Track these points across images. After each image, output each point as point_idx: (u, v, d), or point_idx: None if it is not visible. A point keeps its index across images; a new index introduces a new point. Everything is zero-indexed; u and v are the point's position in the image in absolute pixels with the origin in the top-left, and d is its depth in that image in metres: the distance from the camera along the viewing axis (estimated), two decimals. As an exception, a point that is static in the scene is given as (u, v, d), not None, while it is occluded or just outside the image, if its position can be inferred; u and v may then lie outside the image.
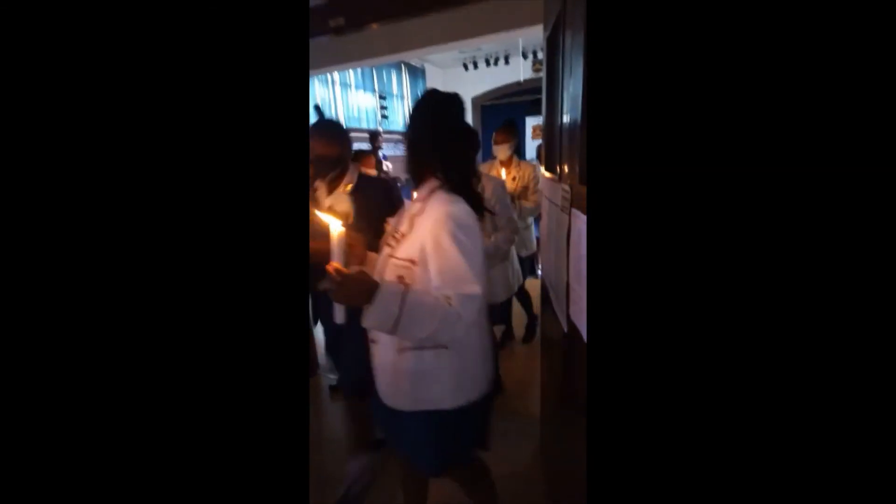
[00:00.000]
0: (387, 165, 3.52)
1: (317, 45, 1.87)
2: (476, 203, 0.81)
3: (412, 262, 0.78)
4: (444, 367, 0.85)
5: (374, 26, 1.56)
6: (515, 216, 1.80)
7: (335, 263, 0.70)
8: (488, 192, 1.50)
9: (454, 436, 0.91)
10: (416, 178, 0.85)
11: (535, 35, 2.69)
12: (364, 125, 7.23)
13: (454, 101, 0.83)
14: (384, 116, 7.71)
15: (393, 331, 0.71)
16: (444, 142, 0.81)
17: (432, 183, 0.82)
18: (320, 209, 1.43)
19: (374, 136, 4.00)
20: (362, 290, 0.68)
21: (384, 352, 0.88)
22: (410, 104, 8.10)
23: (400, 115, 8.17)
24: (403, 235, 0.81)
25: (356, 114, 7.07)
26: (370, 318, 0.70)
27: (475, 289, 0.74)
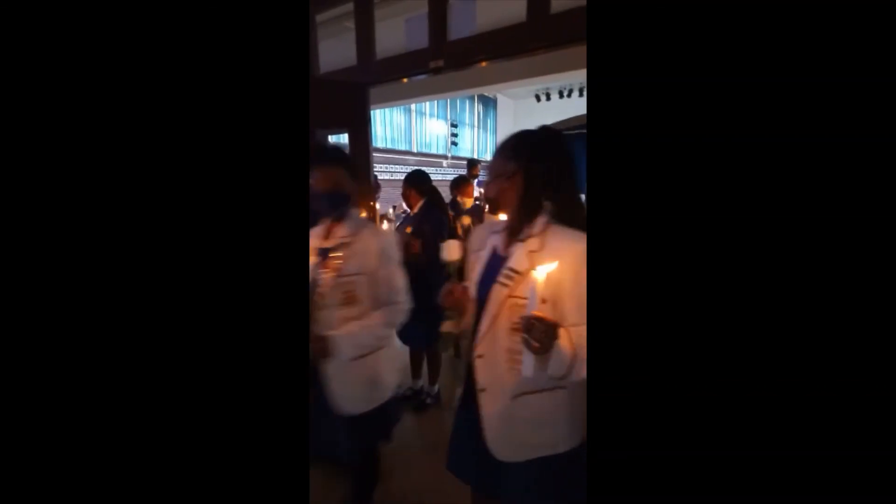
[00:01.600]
0: (479, 192, 3.58)
1: (413, 82, 2.06)
2: None
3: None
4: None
5: (482, 64, 1.69)
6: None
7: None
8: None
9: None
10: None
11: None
12: (434, 150, 7.60)
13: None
14: (454, 143, 8.02)
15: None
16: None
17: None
18: None
19: (472, 164, 4.00)
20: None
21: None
22: (480, 132, 8.36)
23: (469, 142, 8.46)
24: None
25: (428, 140, 7.46)
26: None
27: None
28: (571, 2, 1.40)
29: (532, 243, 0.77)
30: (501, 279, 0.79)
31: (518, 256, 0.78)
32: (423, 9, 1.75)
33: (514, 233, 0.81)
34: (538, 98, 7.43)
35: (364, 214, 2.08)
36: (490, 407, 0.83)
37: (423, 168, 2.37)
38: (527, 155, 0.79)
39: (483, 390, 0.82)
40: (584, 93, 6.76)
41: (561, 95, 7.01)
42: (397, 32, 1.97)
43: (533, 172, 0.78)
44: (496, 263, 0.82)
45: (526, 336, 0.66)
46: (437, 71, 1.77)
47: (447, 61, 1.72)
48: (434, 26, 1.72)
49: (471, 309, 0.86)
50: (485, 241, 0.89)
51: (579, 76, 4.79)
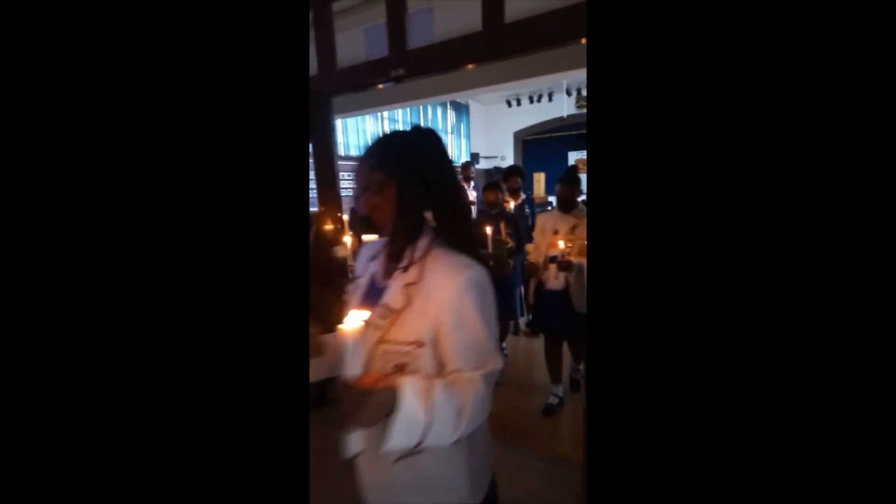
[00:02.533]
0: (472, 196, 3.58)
1: (379, 90, 2.06)
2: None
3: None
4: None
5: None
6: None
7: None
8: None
9: None
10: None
11: (580, 74, 2.77)
12: (409, 158, 7.58)
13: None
14: (428, 149, 8.04)
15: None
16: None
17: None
18: None
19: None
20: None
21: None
22: (454, 139, 8.42)
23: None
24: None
25: (402, 147, 7.45)
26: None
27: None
28: (525, 12, 1.44)
29: (411, 274, 0.63)
30: (374, 318, 0.63)
31: (394, 291, 0.64)
32: (382, 18, 1.76)
33: (394, 258, 0.67)
34: (509, 103, 7.55)
35: (329, 227, 2.06)
36: (369, 473, 0.68)
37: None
38: (397, 161, 0.64)
39: (359, 453, 0.65)
40: (554, 98, 6.93)
41: (531, 100, 7.14)
42: (358, 42, 1.97)
43: (407, 182, 0.63)
44: (374, 297, 0.67)
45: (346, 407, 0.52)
46: (398, 79, 1.78)
47: (407, 70, 1.73)
48: (393, 35, 1.73)
49: (333, 352, 0.70)
50: (366, 267, 0.74)
51: (548, 81, 4.89)
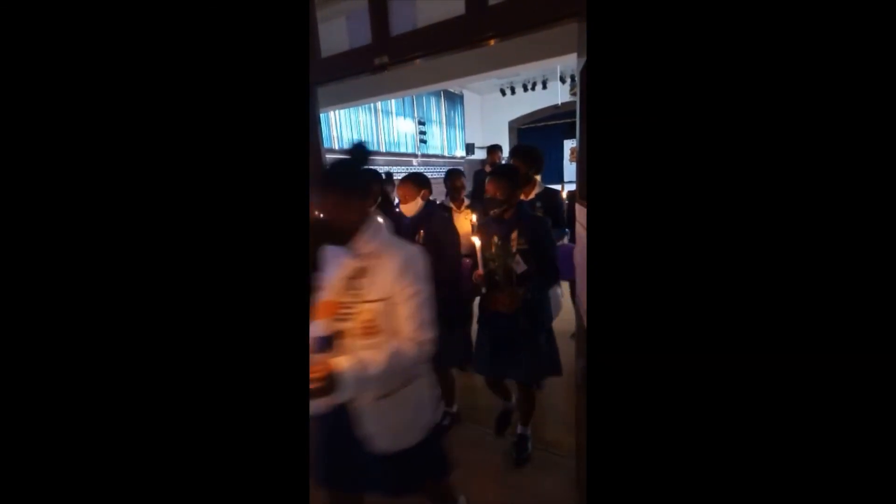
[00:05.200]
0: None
1: (362, 80, 2.01)
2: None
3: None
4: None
5: (417, 62, 1.67)
6: None
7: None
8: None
9: None
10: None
11: (573, 60, 2.71)
12: (403, 149, 7.53)
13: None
14: (423, 141, 7.98)
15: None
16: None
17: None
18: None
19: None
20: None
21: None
22: (448, 128, 8.34)
23: (438, 139, 8.44)
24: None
25: (396, 139, 7.39)
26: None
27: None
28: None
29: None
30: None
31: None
32: (364, 5, 1.71)
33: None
34: (503, 92, 7.47)
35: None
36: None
37: (394, 167, 2.19)
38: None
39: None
40: (548, 85, 6.84)
41: (525, 88, 7.05)
42: (340, 30, 1.92)
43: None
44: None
45: None
46: (382, 67, 1.73)
47: (392, 56, 1.69)
48: (375, 22, 1.68)
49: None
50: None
51: (541, 67, 4.81)
